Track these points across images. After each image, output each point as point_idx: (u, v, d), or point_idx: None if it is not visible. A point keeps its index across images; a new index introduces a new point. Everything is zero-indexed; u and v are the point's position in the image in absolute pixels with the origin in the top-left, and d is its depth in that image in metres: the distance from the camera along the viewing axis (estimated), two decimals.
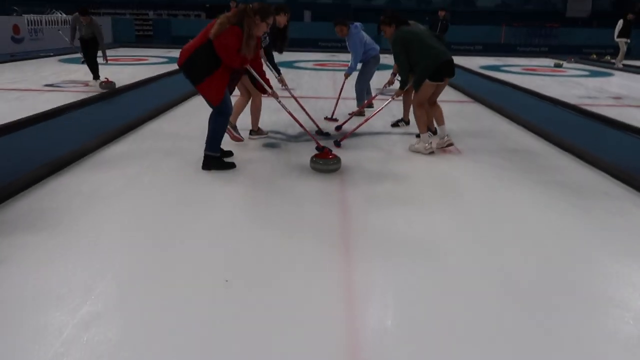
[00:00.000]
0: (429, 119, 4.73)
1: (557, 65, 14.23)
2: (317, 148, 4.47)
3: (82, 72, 10.04)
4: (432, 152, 4.60)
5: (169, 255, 2.63)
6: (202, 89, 3.78)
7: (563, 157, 4.69)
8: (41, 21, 15.37)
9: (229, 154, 4.27)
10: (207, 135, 3.95)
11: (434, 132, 5.03)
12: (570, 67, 14.07)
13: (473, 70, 12.26)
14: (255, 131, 5.13)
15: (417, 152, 4.64)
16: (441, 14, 13.07)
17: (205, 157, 3.97)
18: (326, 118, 6.11)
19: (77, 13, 7.97)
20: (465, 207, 3.40)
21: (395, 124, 5.74)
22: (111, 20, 20.41)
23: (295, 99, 5.62)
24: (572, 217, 3.29)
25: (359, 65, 6.18)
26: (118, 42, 19.32)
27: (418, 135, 4.82)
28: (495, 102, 7.28)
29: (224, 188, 3.64)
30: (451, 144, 4.73)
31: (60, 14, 17.28)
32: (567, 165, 4.44)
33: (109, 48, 16.54)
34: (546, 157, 4.70)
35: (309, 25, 19.39)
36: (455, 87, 8.96)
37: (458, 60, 16.06)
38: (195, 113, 6.29)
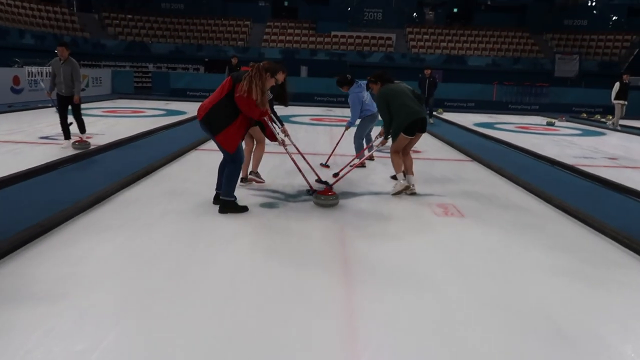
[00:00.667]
0: (406, 164, 5.43)
1: (550, 124, 14.49)
2: (308, 192, 5.14)
3: None
4: (413, 193, 5.30)
5: (165, 323, 2.44)
6: (220, 138, 4.22)
7: (567, 222, 4.60)
8: (41, 72, 15.57)
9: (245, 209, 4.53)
10: (223, 182, 4.39)
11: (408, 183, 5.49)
12: (562, 126, 14.32)
13: (469, 127, 12.43)
14: (255, 173, 5.57)
15: (398, 193, 5.28)
16: (427, 72, 13.43)
17: (223, 202, 4.41)
18: (321, 164, 6.62)
19: (56, 58, 7.31)
20: (470, 277, 3.26)
21: (394, 176, 5.89)
22: (111, 73, 20.79)
23: (297, 148, 6.08)
24: (581, 287, 3.15)
25: (358, 120, 6.79)
26: (117, 94, 19.59)
27: (395, 177, 5.50)
28: (493, 161, 7.28)
29: (224, 248, 3.50)
30: (414, 193, 5.35)
31: None
32: (572, 231, 4.35)
33: (107, 99, 16.80)
34: (550, 221, 4.61)
35: (306, 81, 19.81)
36: (453, 145, 9.02)
37: (452, 116, 16.42)
38: (191, 170, 6.22)
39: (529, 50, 25.58)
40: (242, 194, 5.06)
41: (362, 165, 6.66)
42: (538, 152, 8.50)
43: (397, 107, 5.13)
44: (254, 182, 5.53)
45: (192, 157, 7.09)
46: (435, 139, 10.10)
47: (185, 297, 2.83)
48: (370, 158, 6.91)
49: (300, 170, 5.26)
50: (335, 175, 6.09)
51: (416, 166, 5.93)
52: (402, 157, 5.36)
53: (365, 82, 6.26)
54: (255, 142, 5.54)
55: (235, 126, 4.17)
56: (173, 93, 19.97)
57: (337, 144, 7.19)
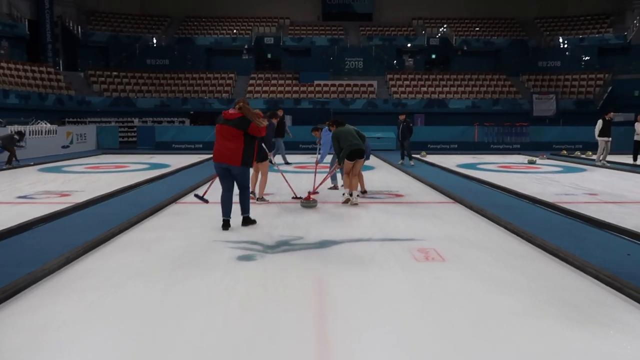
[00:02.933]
0: (352, 183, 7.55)
1: (531, 162, 14.68)
2: (293, 197, 7.76)
3: (58, 182, 9.98)
4: (348, 200, 7.49)
5: None
6: (248, 167, 5.74)
7: (548, 261, 4.55)
8: (25, 131, 15.57)
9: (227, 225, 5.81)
10: (243, 203, 5.89)
11: (364, 192, 8.28)
12: (544, 164, 14.51)
13: (451, 169, 12.53)
14: (261, 198, 7.62)
15: (346, 202, 7.50)
16: (401, 117, 13.72)
17: (246, 218, 5.92)
18: (309, 193, 7.78)
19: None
20: (450, 321, 3.16)
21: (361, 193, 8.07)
22: (96, 129, 20.88)
23: (282, 173, 8.52)
24: (565, 330, 3.06)
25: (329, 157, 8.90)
26: (101, 149, 19.61)
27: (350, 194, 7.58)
28: (476, 202, 7.29)
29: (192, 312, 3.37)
30: (356, 204, 7.39)
31: (45, 123, 17.64)
32: (553, 270, 4.29)
33: (91, 155, 16.80)
34: (531, 261, 4.56)
35: (290, 129, 20.03)
36: (435, 187, 9.05)
37: (436, 158, 16.64)
38: (169, 224, 6.12)
39: (507, 91, 26.32)
40: (219, 247, 4.97)
41: (335, 187, 8.87)
42: (520, 190, 8.54)
43: (343, 142, 7.40)
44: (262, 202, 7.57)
45: (171, 211, 7.01)
46: (418, 182, 10.13)
47: None
48: (335, 187, 8.92)
49: (286, 180, 8.09)
50: (312, 192, 7.82)
51: (398, 209, 6.97)
52: (352, 177, 7.52)
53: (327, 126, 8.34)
54: (260, 174, 7.67)
55: (255, 152, 5.82)
56: (158, 146, 20.04)
57: (315, 174, 8.77)
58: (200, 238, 5.35)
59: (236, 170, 5.63)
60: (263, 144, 7.30)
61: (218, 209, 7.01)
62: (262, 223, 6.14)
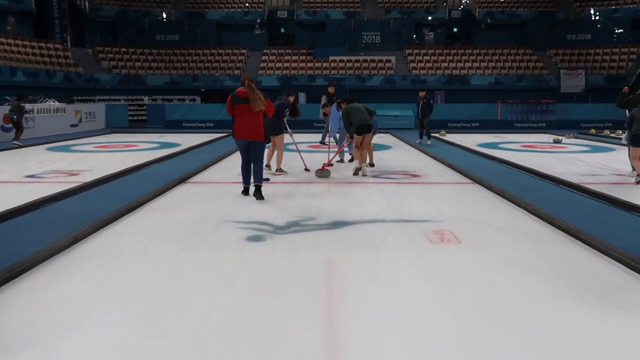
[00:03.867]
0: (362, 156, 8.48)
1: (557, 141, 14.44)
2: (305, 169, 8.77)
3: (67, 161, 10.13)
4: (358, 172, 8.37)
5: None
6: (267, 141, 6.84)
7: (570, 244, 4.50)
8: (33, 110, 15.80)
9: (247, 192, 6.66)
10: (257, 174, 6.41)
11: (372, 165, 9.22)
12: (570, 143, 14.27)
13: (471, 148, 12.39)
14: (279, 169, 8.52)
15: (356, 173, 8.37)
16: (421, 94, 13.62)
17: (258, 187, 6.40)
18: (324, 165, 8.76)
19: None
20: (463, 305, 3.16)
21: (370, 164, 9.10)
22: (105, 107, 21.07)
23: (296, 145, 9.73)
24: (584, 314, 3.04)
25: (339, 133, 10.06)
26: (110, 128, 19.82)
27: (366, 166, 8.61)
28: (495, 182, 7.22)
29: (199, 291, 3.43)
30: (365, 175, 8.32)
31: (53, 101, 17.84)
32: (575, 254, 4.24)
33: (100, 134, 17.00)
34: (552, 244, 4.52)
35: (304, 107, 19.90)
36: (453, 167, 8.98)
37: (456, 137, 16.59)
38: (177, 204, 6.19)
39: (532, 67, 25.75)
40: (228, 227, 5.03)
41: (342, 160, 9.89)
42: (543, 171, 8.43)
43: (353, 117, 8.32)
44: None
45: (180, 191, 7.08)
46: (436, 162, 10.06)
47: (159, 342, 2.75)
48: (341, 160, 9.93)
49: (299, 152, 9.42)
50: (327, 165, 8.83)
51: (414, 190, 7.07)
52: (362, 150, 8.41)
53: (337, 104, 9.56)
54: (277, 148, 8.55)
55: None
56: (168, 125, 20.18)
57: (328, 148, 9.92)
58: (210, 218, 5.41)
59: (257, 144, 6.38)
60: (278, 119, 8.28)
61: (227, 189, 7.10)
62: (272, 204, 6.18)
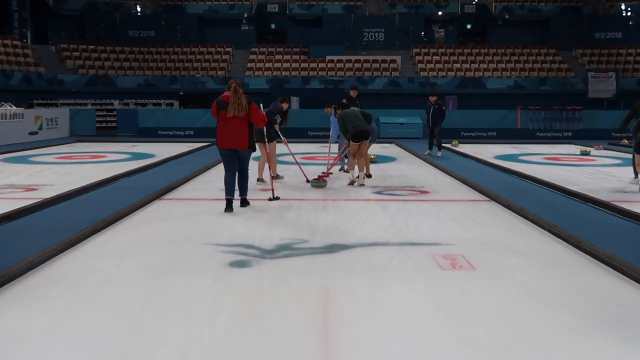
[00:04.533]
0: (359, 164, 9.07)
1: (584, 153, 14.55)
2: (307, 181, 9.07)
3: (24, 174, 10.12)
4: (353, 182, 9.04)
5: None
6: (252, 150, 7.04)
7: (600, 271, 4.51)
8: None
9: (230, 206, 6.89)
10: (243, 185, 7.04)
11: (369, 176, 9.46)
12: (599, 155, 14.38)
13: (487, 161, 12.48)
14: (275, 177, 8.93)
15: (351, 183, 9.03)
16: (432, 98, 13.82)
17: (244, 200, 7.07)
18: (323, 173, 9.54)
19: None
20: (478, 342, 3.15)
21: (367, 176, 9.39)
22: (69, 112, 21.10)
23: (293, 155, 10.03)
24: (616, 353, 3.04)
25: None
26: (75, 136, 19.83)
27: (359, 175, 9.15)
28: (515, 200, 7.25)
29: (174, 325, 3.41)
30: (362, 185, 8.91)
31: (10, 106, 17.86)
32: (606, 283, 4.25)
33: (64, 143, 17.00)
34: (579, 271, 4.53)
35: (297, 113, 20.06)
36: (467, 183, 9.03)
37: (470, 148, 16.82)
38: (151, 224, 6.18)
39: (556, 68, 26.05)
40: (209, 250, 5.02)
41: (342, 168, 10.63)
42: (568, 187, 8.48)
43: (348, 124, 8.92)
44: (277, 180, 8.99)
45: (154, 208, 7.08)
46: (447, 176, 10.11)
47: None
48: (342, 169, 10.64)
49: (297, 162, 9.97)
50: (325, 174, 9.49)
51: (422, 208, 7.19)
52: (358, 158, 9.00)
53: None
54: (269, 156, 8.83)
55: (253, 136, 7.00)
56: (142, 133, 20.21)
57: (329, 157, 10.57)
58: (188, 240, 5.41)
59: (243, 153, 6.89)
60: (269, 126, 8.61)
61: (208, 207, 7.10)
62: (259, 223, 6.19)
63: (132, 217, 6.48)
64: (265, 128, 8.19)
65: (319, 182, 8.79)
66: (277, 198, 7.45)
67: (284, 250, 5.09)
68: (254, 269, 4.54)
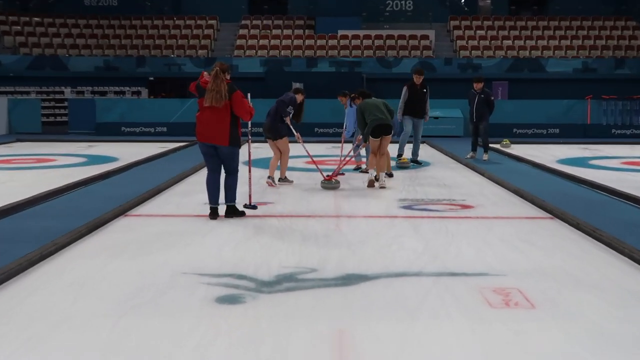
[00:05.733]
0: (378, 164, 9.85)
1: None
2: (324, 180, 9.89)
3: None
4: (372, 182, 9.86)
5: None
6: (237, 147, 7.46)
7: None
8: None
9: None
10: (229, 191, 7.44)
11: (390, 175, 10.73)
12: None
13: (548, 167, 12.47)
14: (284, 179, 10.21)
15: (371, 185, 9.86)
16: (477, 86, 13.81)
17: (231, 208, 7.47)
18: (329, 176, 10.03)
19: None
20: None
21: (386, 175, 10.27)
22: (7, 103, 21.26)
23: (307, 151, 10.69)
24: None
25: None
26: (16, 134, 19.97)
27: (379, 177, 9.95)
28: (585, 218, 7.26)
29: None
30: (383, 187, 9.76)
31: None
32: None
33: (2, 143, 17.11)
34: None
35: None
36: (522, 195, 9.01)
37: (525, 150, 17.04)
38: (114, 248, 6.22)
39: (637, 46, 26.01)
40: (189, 282, 5.05)
41: (359, 167, 11.81)
42: None
43: (368, 116, 9.64)
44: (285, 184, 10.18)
45: (118, 228, 7.13)
46: (496, 187, 10.12)
47: None
48: (358, 167, 11.86)
49: (312, 160, 10.65)
50: (334, 174, 10.12)
51: (464, 227, 7.28)
52: (379, 157, 9.78)
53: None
54: (281, 153, 10.01)
55: (240, 131, 7.47)
56: (100, 130, 20.38)
57: (341, 158, 11.14)
58: (162, 269, 5.43)
59: (223, 150, 7.24)
60: (281, 119, 9.87)
61: (187, 225, 7.16)
62: (255, 245, 6.22)
63: (90, 239, 6.52)
64: (272, 121, 9.81)
65: (331, 183, 9.62)
66: (254, 207, 7.85)
67: (287, 282, 5.11)
68: (247, 306, 4.55)
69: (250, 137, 8.26)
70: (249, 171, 8.16)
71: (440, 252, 6.05)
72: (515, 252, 6.10)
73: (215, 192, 7.44)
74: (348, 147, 11.33)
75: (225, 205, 7.47)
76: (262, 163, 11.69)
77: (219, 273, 5.33)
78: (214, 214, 7.41)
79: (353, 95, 11.07)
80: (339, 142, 12.76)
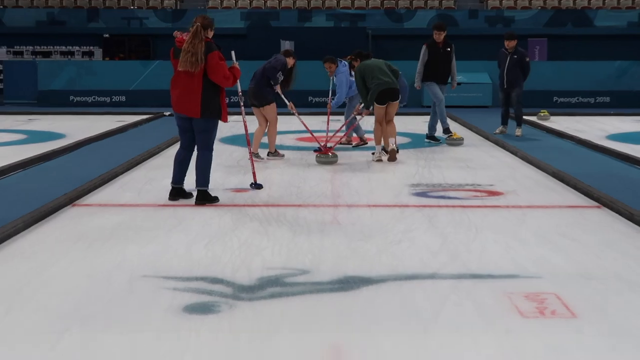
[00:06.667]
0: (384, 134, 10.43)
1: None
2: (316, 150, 10.85)
3: None
4: (379, 160, 10.55)
5: None
6: (223, 119, 7.71)
7: None
8: None
9: (189, 195, 7.86)
10: (199, 171, 7.60)
11: (387, 151, 10.74)
12: None
13: (595, 144, 12.48)
14: (273, 153, 10.90)
15: (378, 161, 10.58)
16: (508, 44, 13.76)
17: (202, 193, 7.65)
18: (324, 147, 10.95)
19: None
20: None
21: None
22: None
23: (301, 121, 11.59)
24: None
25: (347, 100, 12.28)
26: None
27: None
28: None
29: None
30: (394, 159, 10.51)
31: None
32: None
33: None
34: None
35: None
36: (563, 179, 8.99)
37: (567, 122, 17.05)
38: (62, 246, 6.20)
39: None
40: (152, 286, 5.04)
41: (349, 142, 12.54)
42: None
43: (370, 80, 10.15)
44: (277, 158, 10.86)
45: (65, 220, 7.12)
46: (531, 168, 10.15)
47: None
48: (348, 142, 12.57)
49: (309, 130, 11.64)
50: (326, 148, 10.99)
51: (491, 218, 7.36)
52: (386, 126, 10.36)
53: (346, 62, 11.74)
54: (267, 123, 10.60)
55: (224, 100, 7.67)
56: (43, 99, 20.29)
57: (327, 127, 12.15)
58: (117, 271, 5.43)
59: (197, 123, 7.54)
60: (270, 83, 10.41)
61: (149, 217, 7.15)
62: (233, 241, 6.20)
63: (29, 234, 6.52)
64: (257, 86, 10.40)
65: (327, 157, 10.27)
66: (260, 186, 8.41)
67: (271, 286, 5.11)
68: (223, 316, 4.55)
69: (242, 104, 8.60)
70: (248, 143, 8.73)
71: (461, 250, 6.04)
72: (553, 249, 6.09)
73: (181, 171, 7.79)
74: (337, 122, 11.74)
75: (196, 190, 7.66)
76: (244, 139, 11.71)
77: (188, 276, 5.32)
78: (173, 195, 7.78)
79: (350, 56, 11.46)
80: (340, 111, 12.89)
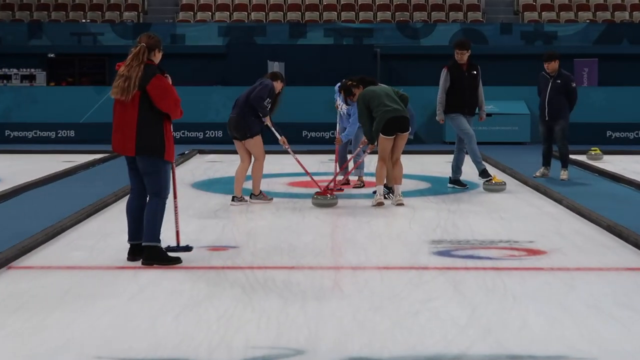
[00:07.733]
0: (388, 175, 10.64)
1: None
2: (317, 194, 11.00)
3: None
4: (381, 204, 10.71)
5: None
6: (166, 157, 7.62)
7: None
8: None
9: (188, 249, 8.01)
10: (146, 222, 7.55)
11: (392, 192, 11.12)
12: None
13: None
14: (257, 195, 11.19)
15: (379, 204, 10.79)
16: (549, 66, 13.83)
17: (148, 248, 7.58)
18: (327, 187, 11.40)
19: None
20: None
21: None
22: None
23: (297, 159, 11.71)
24: None
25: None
26: None
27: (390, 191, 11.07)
28: None
29: None
30: (401, 204, 10.60)
31: None
32: None
33: None
34: None
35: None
36: (621, 235, 9.01)
37: (624, 163, 17.38)
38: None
39: None
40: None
41: (347, 182, 12.91)
42: None
43: (376, 107, 10.46)
44: (261, 202, 11.15)
45: None
46: (581, 221, 10.18)
47: None
48: (347, 182, 12.89)
49: (306, 171, 11.86)
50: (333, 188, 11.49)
51: (532, 284, 7.29)
52: (393, 164, 10.60)
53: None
54: (252, 160, 10.92)
55: (169, 134, 7.68)
56: None
57: (335, 167, 12.65)
58: (62, 351, 5.38)
59: (139, 163, 7.64)
60: (255, 112, 10.66)
61: (102, 282, 7.13)
62: (209, 312, 6.17)
63: None
64: (240, 115, 10.68)
65: (325, 199, 10.75)
66: (188, 248, 8.05)
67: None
68: None
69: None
70: (174, 189, 8.17)
71: (495, 324, 6.02)
72: (610, 322, 6.06)
73: (135, 221, 7.76)
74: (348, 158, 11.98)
75: (144, 246, 7.68)
76: (222, 184, 11.70)
77: (152, 358, 5.29)
78: (133, 254, 7.76)
79: (350, 82, 11.77)
80: (331, 150, 13.15)
